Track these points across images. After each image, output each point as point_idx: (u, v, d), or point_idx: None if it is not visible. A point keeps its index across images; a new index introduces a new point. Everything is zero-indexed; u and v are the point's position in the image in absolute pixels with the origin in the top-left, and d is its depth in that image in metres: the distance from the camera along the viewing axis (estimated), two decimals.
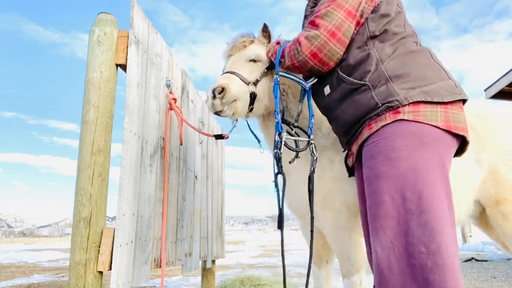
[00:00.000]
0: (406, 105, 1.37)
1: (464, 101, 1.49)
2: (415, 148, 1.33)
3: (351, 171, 1.77)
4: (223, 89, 1.86)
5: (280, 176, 1.63)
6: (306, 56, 1.56)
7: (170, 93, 2.33)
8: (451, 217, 1.30)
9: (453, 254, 1.23)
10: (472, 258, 7.91)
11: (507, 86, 8.25)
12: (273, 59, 1.88)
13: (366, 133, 1.47)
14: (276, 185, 1.61)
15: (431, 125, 1.35)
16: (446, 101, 1.38)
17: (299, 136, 1.80)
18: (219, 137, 2.17)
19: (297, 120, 1.82)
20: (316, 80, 1.72)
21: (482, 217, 2.28)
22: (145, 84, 2.01)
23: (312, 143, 1.70)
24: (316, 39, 1.53)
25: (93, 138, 1.74)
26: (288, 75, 1.78)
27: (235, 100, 1.90)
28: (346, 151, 1.77)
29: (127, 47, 1.86)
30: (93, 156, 1.72)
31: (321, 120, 1.97)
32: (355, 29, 1.55)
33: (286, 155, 1.80)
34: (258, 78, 1.96)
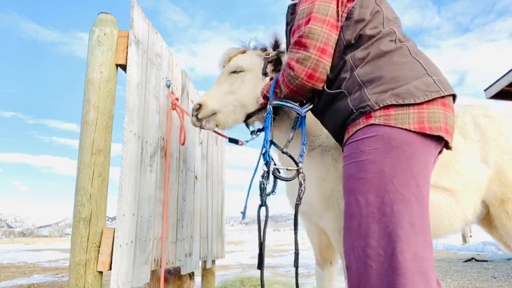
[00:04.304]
0: (377, 109, 1.36)
1: (454, 97, 1.46)
2: (383, 152, 1.32)
3: None
4: (200, 106, 1.96)
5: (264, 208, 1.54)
6: (303, 79, 1.53)
7: (172, 93, 2.34)
8: (421, 222, 1.28)
9: (412, 260, 1.21)
10: (472, 258, 7.91)
11: (507, 86, 8.24)
12: (267, 94, 1.79)
13: (346, 137, 1.49)
14: (259, 218, 1.52)
15: (402, 129, 1.33)
16: (419, 101, 1.35)
17: (279, 172, 1.69)
18: (233, 141, 2.17)
19: (286, 146, 1.74)
20: (311, 105, 1.70)
21: (486, 217, 2.28)
22: (146, 85, 2.01)
23: (300, 172, 1.63)
24: (308, 60, 1.50)
25: (93, 139, 1.74)
26: (281, 103, 1.73)
27: (214, 113, 1.96)
28: None
29: (127, 47, 1.86)
30: (93, 157, 1.72)
31: None
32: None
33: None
34: (241, 86, 1.99)
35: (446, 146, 1.46)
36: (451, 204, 2.03)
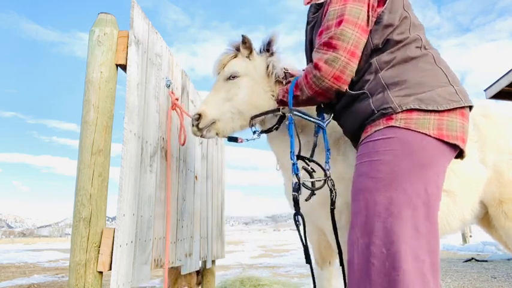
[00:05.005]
0: (399, 112, 1.38)
1: (470, 108, 1.48)
2: (398, 154, 1.35)
3: None
4: (200, 116, 1.96)
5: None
6: (330, 80, 1.51)
7: (172, 93, 2.34)
8: (426, 226, 1.31)
9: (414, 260, 1.24)
10: (472, 259, 7.91)
11: (507, 86, 8.24)
12: (285, 99, 1.78)
13: (363, 137, 1.51)
14: (297, 224, 1.62)
15: (422, 133, 1.36)
16: (442, 109, 1.38)
17: (314, 171, 1.72)
18: (232, 139, 2.18)
19: (312, 155, 1.74)
20: (332, 116, 1.72)
21: (484, 217, 2.28)
22: (146, 85, 2.01)
23: (330, 180, 1.65)
24: (337, 62, 1.49)
25: (93, 139, 1.74)
26: (302, 116, 1.72)
27: (214, 122, 1.96)
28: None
29: (127, 47, 1.86)
30: (93, 157, 1.72)
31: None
32: None
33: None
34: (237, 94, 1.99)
35: (459, 155, 1.49)
36: (448, 205, 2.03)
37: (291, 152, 1.64)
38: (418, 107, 1.37)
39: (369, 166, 1.39)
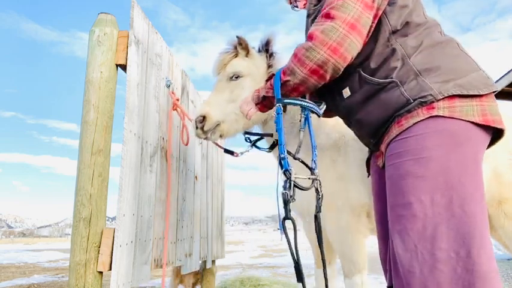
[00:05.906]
0: (440, 99, 1.27)
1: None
2: (449, 148, 1.25)
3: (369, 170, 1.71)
4: (204, 118, 1.94)
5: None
6: (325, 52, 1.35)
7: (173, 93, 2.34)
8: (485, 220, 1.23)
9: (487, 261, 1.16)
10: None
11: (507, 86, 8.25)
12: (269, 94, 1.58)
13: (394, 130, 1.37)
14: (286, 232, 1.36)
15: (468, 121, 1.27)
16: (483, 93, 1.29)
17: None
18: (228, 151, 2.18)
19: (297, 152, 1.56)
20: (325, 105, 1.60)
21: None
22: (146, 85, 2.01)
23: (317, 180, 1.50)
24: (335, 32, 1.34)
25: (93, 139, 1.74)
26: (295, 102, 1.53)
27: (218, 124, 1.95)
28: (370, 151, 1.69)
29: (127, 47, 1.86)
30: (93, 157, 1.72)
31: (320, 120, 1.97)
32: (372, 22, 1.42)
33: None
34: (240, 95, 1.97)
35: (492, 142, 1.41)
36: None
37: (279, 144, 1.45)
38: (459, 93, 1.27)
39: (416, 164, 1.27)
